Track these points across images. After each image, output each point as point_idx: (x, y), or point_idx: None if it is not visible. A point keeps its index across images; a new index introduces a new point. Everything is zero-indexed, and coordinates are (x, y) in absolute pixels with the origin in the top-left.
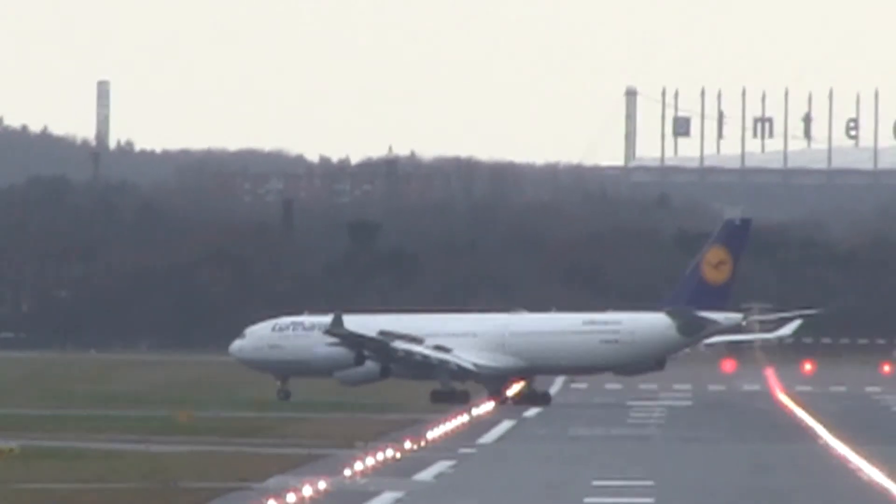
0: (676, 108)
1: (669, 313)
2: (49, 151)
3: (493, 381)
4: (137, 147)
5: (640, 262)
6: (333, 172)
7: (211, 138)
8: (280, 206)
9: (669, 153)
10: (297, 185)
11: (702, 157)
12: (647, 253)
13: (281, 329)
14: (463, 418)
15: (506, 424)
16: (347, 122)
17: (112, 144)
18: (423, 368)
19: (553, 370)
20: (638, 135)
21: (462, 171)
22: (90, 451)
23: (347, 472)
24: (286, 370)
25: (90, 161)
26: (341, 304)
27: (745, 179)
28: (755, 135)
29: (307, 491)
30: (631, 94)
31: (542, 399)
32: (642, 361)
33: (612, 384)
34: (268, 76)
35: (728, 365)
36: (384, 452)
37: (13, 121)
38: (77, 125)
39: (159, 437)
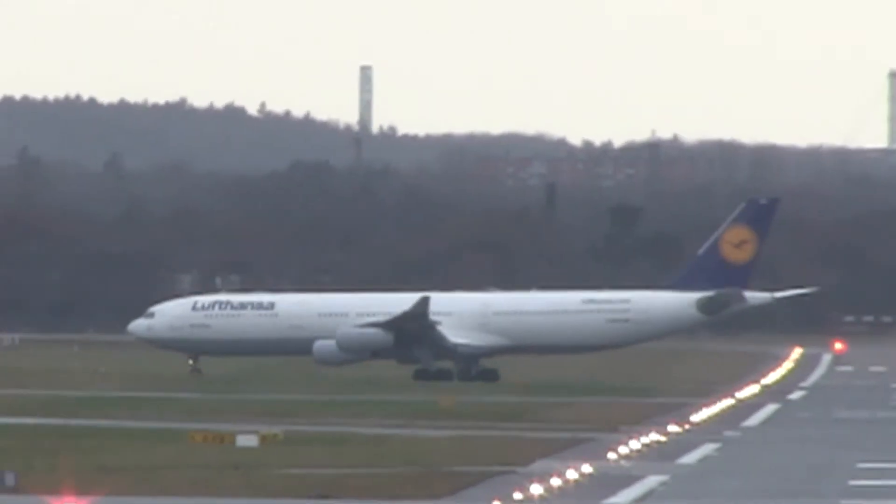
0: None
1: (719, 293)
2: (312, 137)
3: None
4: (400, 131)
5: None
6: (596, 156)
7: (473, 122)
8: (542, 190)
9: None
10: (559, 169)
11: None
12: None
13: (204, 308)
14: (727, 401)
15: (770, 408)
16: (610, 106)
17: (374, 129)
18: (408, 350)
19: (550, 350)
20: None
21: (724, 155)
22: (354, 436)
23: (612, 456)
24: (214, 350)
25: (352, 146)
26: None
27: None
28: None
29: (571, 475)
30: (894, 76)
31: (490, 376)
32: (656, 340)
33: (877, 367)
34: (530, 60)
35: None
36: (648, 436)
37: (276, 106)
38: (340, 110)
39: (422, 421)
